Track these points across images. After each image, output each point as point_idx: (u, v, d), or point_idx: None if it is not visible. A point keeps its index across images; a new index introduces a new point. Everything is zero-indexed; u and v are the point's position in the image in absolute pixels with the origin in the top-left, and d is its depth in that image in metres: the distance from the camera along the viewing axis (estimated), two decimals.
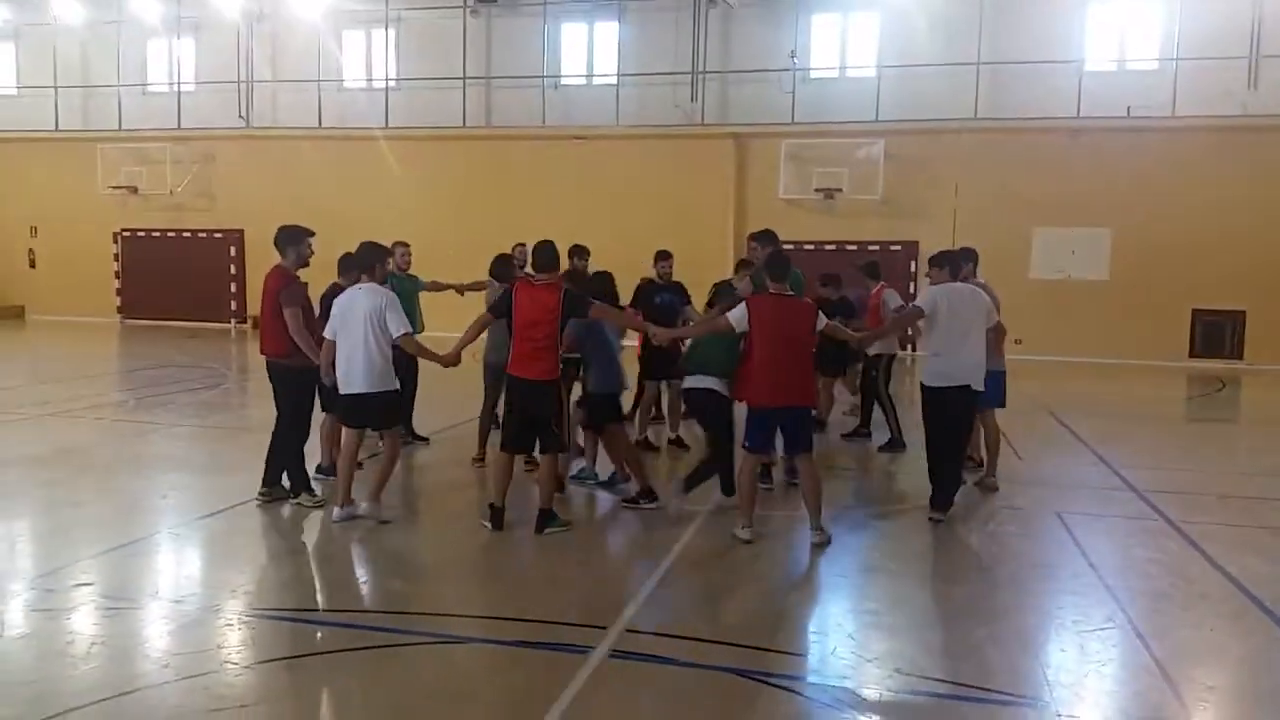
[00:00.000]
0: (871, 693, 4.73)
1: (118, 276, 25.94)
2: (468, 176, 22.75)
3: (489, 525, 7.25)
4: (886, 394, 10.80)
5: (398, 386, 7.61)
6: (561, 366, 7.38)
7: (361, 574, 6.74)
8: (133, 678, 4.74)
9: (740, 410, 7.44)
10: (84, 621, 5.46)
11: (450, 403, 11.19)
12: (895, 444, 10.51)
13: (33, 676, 4.70)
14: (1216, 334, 20.14)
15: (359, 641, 5.29)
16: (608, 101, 22.52)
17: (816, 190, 21.31)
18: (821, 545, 7.02)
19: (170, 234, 25.41)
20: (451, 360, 7.44)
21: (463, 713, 4.55)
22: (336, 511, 7.43)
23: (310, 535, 7.42)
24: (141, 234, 25.63)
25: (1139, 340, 19.98)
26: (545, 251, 7.38)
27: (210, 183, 24.97)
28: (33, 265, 26.36)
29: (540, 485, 7.32)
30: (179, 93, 25.05)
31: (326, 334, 7.48)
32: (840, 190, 21.18)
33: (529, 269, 9.18)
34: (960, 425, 7.90)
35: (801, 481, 7.29)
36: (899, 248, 20.41)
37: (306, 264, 7.90)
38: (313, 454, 8.47)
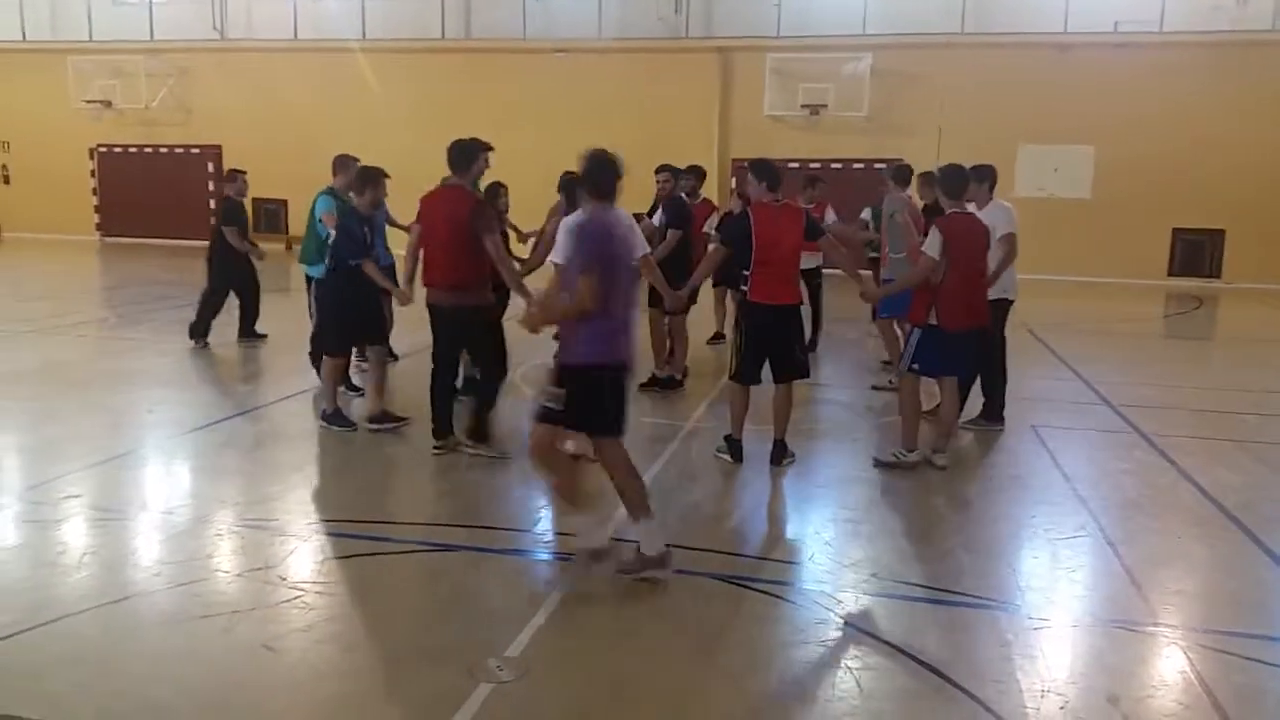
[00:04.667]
0: (849, 596, 4.87)
1: (95, 193, 25.58)
2: (447, 90, 22.36)
3: (728, 457, 7.00)
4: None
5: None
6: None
7: (353, 485, 6.78)
8: (125, 585, 4.83)
9: None
10: (75, 533, 5.53)
11: None
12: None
13: (27, 585, 4.77)
14: (1196, 253, 20.25)
15: (351, 550, 5.36)
16: (590, 13, 22.09)
17: (803, 106, 21.09)
18: (944, 468, 7.01)
19: (147, 149, 25.00)
20: (685, 298, 7.57)
21: (454, 613, 4.65)
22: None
23: (301, 447, 7.48)
24: (118, 149, 25.21)
25: (1119, 259, 20.05)
26: (768, 169, 6.79)
27: (186, 97, 24.51)
28: (6, 181, 25.96)
29: (778, 415, 6.97)
30: (151, 3, 24.43)
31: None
32: (825, 106, 20.97)
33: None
34: None
35: (946, 405, 7.17)
36: (883, 165, 20.29)
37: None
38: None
